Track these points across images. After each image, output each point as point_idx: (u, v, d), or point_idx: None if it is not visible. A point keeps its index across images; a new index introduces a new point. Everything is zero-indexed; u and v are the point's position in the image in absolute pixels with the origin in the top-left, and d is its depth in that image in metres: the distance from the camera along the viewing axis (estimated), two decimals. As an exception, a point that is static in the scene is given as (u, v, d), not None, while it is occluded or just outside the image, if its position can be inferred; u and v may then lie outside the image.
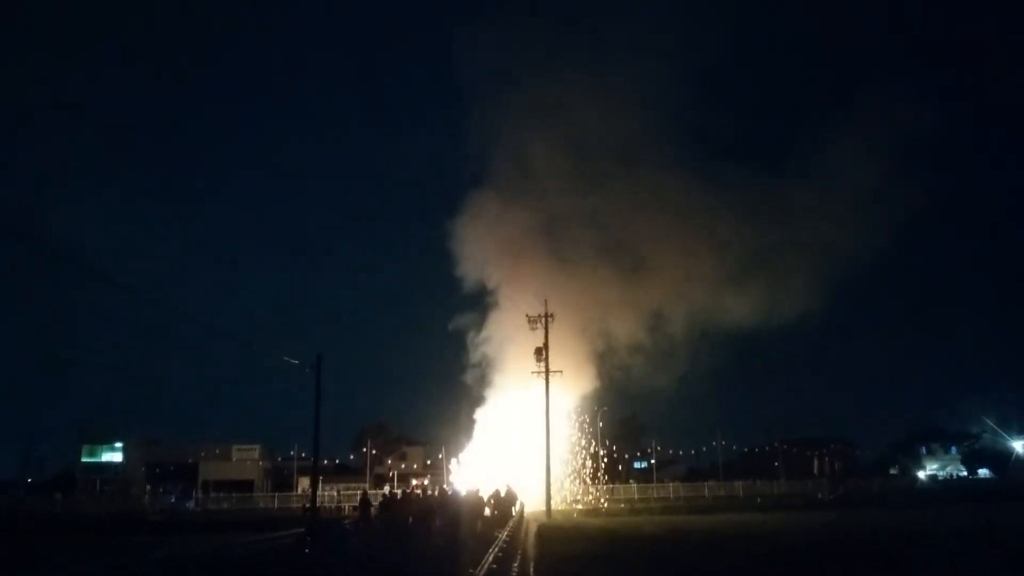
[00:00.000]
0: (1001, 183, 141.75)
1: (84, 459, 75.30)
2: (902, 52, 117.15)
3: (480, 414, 55.89)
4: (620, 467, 79.65)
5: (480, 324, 57.11)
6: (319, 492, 38.24)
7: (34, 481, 78.12)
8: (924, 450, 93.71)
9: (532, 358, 47.47)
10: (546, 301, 48.11)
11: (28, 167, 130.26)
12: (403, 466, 78.60)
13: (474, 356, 56.32)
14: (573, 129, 62.18)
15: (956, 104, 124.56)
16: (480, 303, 58.12)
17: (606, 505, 54.45)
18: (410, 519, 26.69)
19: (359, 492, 38.66)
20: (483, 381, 55.76)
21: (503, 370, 54.51)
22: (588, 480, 57.87)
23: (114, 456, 75.78)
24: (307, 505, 36.92)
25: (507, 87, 61.50)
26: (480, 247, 57.57)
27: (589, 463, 58.39)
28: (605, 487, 62.25)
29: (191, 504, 60.63)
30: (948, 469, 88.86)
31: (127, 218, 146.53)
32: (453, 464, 56.82)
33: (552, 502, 45.28)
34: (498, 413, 54.33)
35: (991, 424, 79.06)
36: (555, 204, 60.86)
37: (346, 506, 48.50)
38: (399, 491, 33.61)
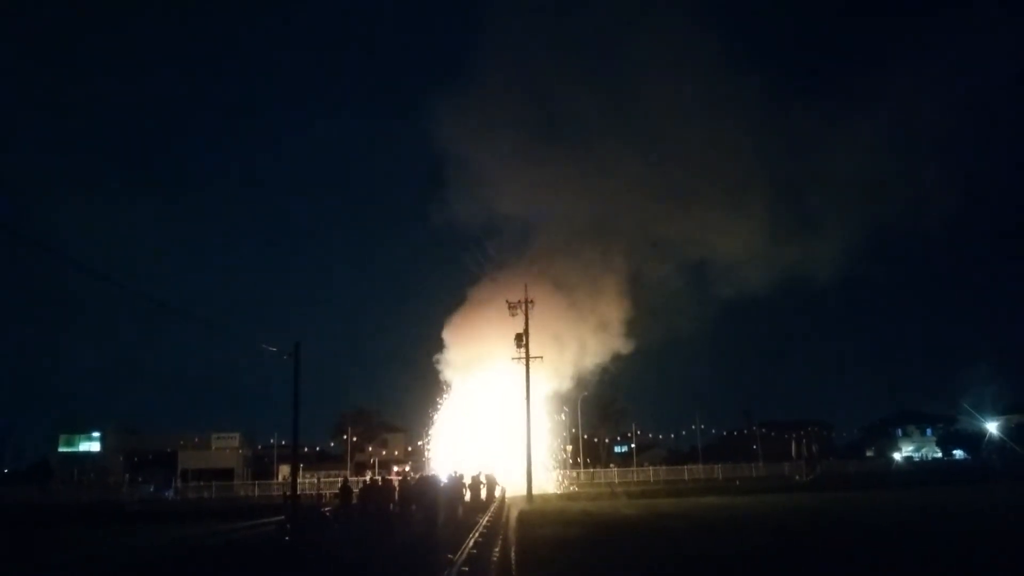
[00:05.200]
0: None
1: (61, 449, 74.37)
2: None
3: (460, 400, 55.92)
4: (601, 451, 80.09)
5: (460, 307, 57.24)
6: (299, 480, 38.08)
7: (10, 471, 77.15)
8: (900, 432, 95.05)
9: (513, 342, 47.47)
10: (526, 286, 48.14)
11: (10, 158, 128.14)
12: (384, 453, 78.45)
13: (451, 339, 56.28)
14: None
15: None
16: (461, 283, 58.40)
17: (587, 489, 54.75)
18: (391, 506, 26.70)
19: (340, 479, 38.53)
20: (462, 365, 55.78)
21: (484, 355, 54.53)
22: (569, 465, 58.11)
23: (92, 446, 74.92)
24: (287, 493, 36.68)
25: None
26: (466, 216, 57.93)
27: (570, 448, 58.61)
28: (586, 471, 62.62)
29: (170, 493, 60.14)
30: (924, 451, 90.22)
31: (106, 208, 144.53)
32: (434, 450, 56.82)
33: (533, 487, 45.46)
34: (479, 399, 54.35)
35: (966, 406, 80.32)
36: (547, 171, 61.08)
37: (327, 493, 48.32)
38: (380, 478, 33.55)
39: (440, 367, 56.64)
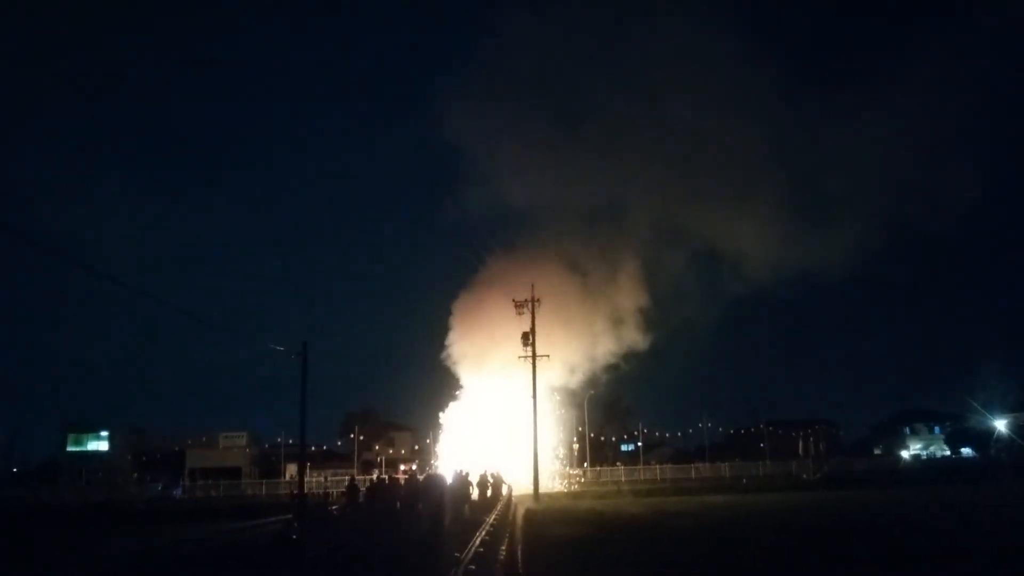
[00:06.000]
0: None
1: (69, 448, 74.70)
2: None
3: (467, 398, 55.90)
4: (607, 449, 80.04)
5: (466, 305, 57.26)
6: (306, 478, 38.19)
7: (19, 471, 77.56)
8: (908, 430, 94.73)
9: (519, 340, 47.31)
10: (532, 286, 47.96)
11: (15, 159, 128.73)
12: (391, 451, 78.54)
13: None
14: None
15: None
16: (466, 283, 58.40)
17: (594, 488, 54.71)
18: (398, 504, 26.74)
19: (347, 478, 38.62)
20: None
21: (490, 353, 54.50)
22: (575, 463, 58.02)
23: (100, 445, 75.25)
24: (295, 492, 36.82)
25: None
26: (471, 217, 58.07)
27: (576, 446, 58.52)
28: (593, 469, 62.57)
29: (178, 492, 60.36)
30: (931, 449, 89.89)
31: (113, 209, 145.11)
32: (440, 448, 56.86)
33: (540, 485, 45.42)
34: (486, 397, 54.31)
35: (975, 404, 79.89)
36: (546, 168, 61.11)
37: (334, 492, 48.42)
38: (386, 476, 33.63)
39: (449, 364, 56.70)
